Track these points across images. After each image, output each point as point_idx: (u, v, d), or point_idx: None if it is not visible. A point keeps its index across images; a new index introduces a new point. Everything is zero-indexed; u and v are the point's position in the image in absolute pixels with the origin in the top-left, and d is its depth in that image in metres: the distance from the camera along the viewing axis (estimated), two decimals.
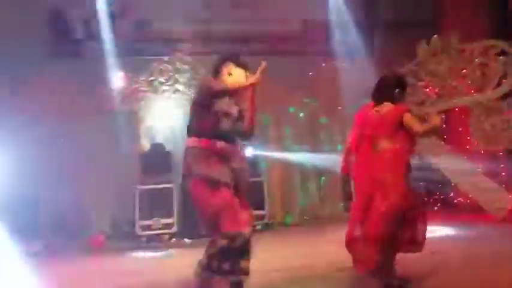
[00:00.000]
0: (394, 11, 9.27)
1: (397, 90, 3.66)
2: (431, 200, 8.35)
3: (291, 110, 8.47)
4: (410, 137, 3.53)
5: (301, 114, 8.53)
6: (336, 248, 5.32)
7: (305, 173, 8.48)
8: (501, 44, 6.79)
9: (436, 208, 8.12)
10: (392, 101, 3.63)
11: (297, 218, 8.20)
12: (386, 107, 3.61)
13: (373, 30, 9.54)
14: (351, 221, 3.64)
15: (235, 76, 3.38)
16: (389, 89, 3.66)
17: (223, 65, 3.40)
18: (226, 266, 3.16)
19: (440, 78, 7.52)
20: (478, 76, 6.97)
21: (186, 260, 5.13)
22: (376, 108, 3.66)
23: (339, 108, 8.62)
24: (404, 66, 8.05)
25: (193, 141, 3.25)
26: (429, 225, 3.65)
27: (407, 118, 3.48)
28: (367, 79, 8.59)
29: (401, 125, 3.50)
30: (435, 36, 7.68)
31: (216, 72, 3.41)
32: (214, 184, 3.15)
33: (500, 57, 6.73)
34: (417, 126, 3.45)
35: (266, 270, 4.46)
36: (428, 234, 3.63)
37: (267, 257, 5.14)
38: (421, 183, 8.40)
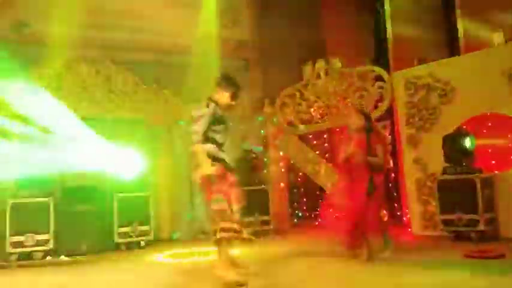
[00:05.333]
0: (282, 31, 9.68)
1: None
2: (313, 216, 8.76)
3: (181, 123, 8.35)
4: None
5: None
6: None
7: (193, 188, 8.38)
8: (378, 70, 7.38)
9: (317, 223, 8.52)
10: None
11: (184, 234, 8.05)
12: None
13: (264, 49, 9.87)
14: None
15: None
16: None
17: None
18: None
19: (324, 99, 7.97)
20: (358, 98, 7.49)
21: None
22: None
23: (230, 123, 8.69)
24: (293, 86, 8.45)
25: None
26: None
27: None
28: (257, 96, 8.99)
29: None
30: (320, 59, 8.15)
31: None
32: None
33: (377, 82, 7.30)
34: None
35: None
36: None
37: (153, 272, 5.00)
38: (305, 199, 8.83)
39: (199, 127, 3.91)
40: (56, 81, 7.42)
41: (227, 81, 4.25)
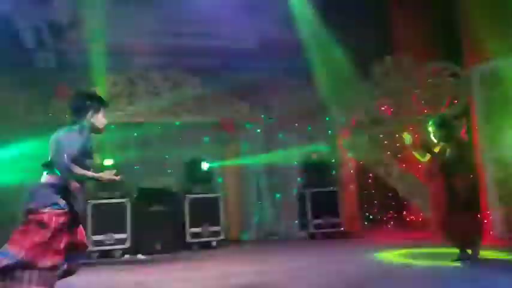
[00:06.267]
0: (347, 31, 9.49)
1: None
2: (384, 218, 8.51)
3: (248, 126, 8.44)
4: None
5: (258, 130, 8.52)
6: (298, 264, 5.38)
7: (261, 189, 8.43)
8: (452, 67, 7.07)
9: (389, 226, 8.27)
10: None
11: (253, 235, 8.11)
12: None
13: None
14: None
15: None
16: None
17: None
18: None
19: (394, 98, 7.74)
20: (431, 96, 7.21)
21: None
22: None
23: (296, 125, 8.68)
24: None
25: None
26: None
27: None
28: (320, 97, 8.88)
29: None
30: (388, 56, 7.92)
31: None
32: None
33: (452, 78, 6.99)
34: None
35: (226, 285, 4.37)
36: None
37: (226, 273, 5.05)
38: (376, 202, 8.59)
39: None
40: (129, 88, 7.75)
41: (95, 99, 3.41)
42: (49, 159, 3.19)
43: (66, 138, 3.15)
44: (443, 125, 4.98)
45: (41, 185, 3.21)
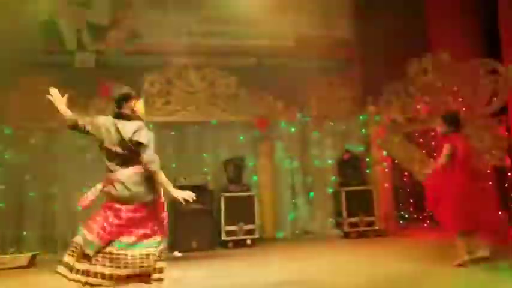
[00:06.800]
0: (384, 28, 9.37)
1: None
2: (420, 217, 8.39)
3: (283, 125, 8.46)
4: None
5: (293, 129, 8.53)
6: (334, 261, 5.40)
7: (295, 188, 8.45)
8: (492, 63, 6.88)
9: (425, 225, 8.15)
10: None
11: (287, 233, 8.16)
12: None
13: (364, 47, 9.63)
14: None
15: None
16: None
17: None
18: None
19: (431, 96, 7.60)
20: (469, 94, 7.05)
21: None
22: None
23: (331, 123, 8.64)
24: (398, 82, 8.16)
25: None
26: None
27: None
28: (357, 95, 8.82)
29: None
30: (427, 53, 7.78)
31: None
32: None
33: (491, 75, 6.81)
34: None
35: (265, 283, 4.43)
36: None
37: (262, 270, 5.13)
38: (411, 200, 8.47)
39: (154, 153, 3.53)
40: (166, 87, 7.91)
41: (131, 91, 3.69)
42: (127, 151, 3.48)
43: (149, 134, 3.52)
44: (446, 121, 4.98)
45: (142, 176, 3.51)
